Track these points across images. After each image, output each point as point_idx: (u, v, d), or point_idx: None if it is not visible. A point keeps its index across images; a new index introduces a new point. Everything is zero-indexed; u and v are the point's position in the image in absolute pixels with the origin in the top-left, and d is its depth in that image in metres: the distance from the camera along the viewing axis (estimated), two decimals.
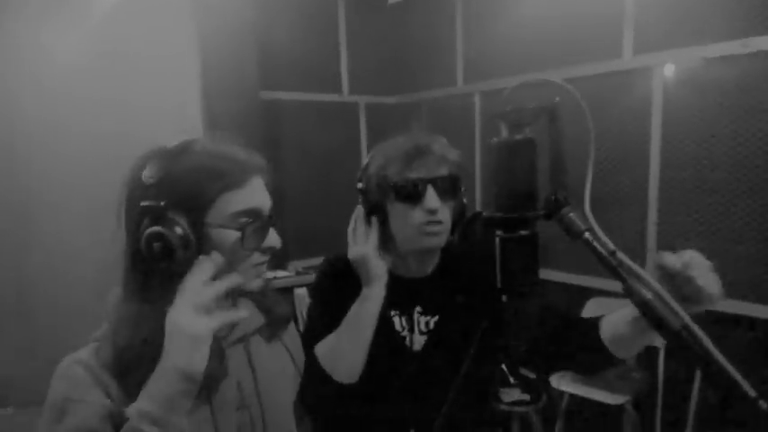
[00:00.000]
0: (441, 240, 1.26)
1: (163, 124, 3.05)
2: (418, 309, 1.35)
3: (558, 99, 0.87)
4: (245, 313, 0.91)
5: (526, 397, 2.88)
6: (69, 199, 2.83)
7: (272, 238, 0.94)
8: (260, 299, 1.05)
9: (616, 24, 2.85)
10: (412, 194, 1.23)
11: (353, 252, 1.24)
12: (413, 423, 1.29)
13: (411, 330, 1.34)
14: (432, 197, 1.22)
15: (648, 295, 0.73)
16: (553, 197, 0.86)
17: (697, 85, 2.59)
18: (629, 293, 0.75)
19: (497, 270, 0.90)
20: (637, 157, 2.84)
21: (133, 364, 0.84)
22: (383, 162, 1.26)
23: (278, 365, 1.09)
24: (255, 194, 0.93)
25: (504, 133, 0.90)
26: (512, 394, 2.87)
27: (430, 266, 1.37)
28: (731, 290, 2.48)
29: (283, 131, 3.70)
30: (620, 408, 2.65)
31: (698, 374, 2.58)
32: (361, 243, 1.24)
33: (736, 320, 2.50)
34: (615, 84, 2.89)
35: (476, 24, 3.63)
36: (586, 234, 0.80)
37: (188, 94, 3.20)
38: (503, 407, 2.86)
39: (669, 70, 2.69)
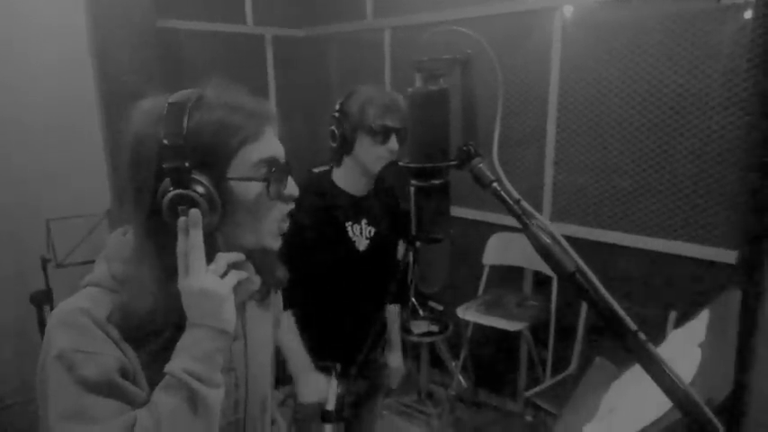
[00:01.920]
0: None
1: (44, 49, 2.82)
2: (364, 220, 1.82)
3: (470, 51, 0.89)
4: (246, 273, 0.91)
5: (434, 328, 3.06)
6: None
7: (292, 186, 0.93)
8: (260, 260, 1.01)
9: None
10: (383, 136, 1.68)
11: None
12: (358, 312, 1.80)
13: (360, 235, 1.80)
14: (394, 141, 1.69)
15: (547, 240, 0.80)
16: (465, 148, 0.89)
17: (593, 28, 2.72)
18: (530, 238, 0.81)
19: (412, 217, 0.94)
20: (537, 97, 2.96)
21: (156, 331, 0.84)
22: (363, 105, 1.67)
23: (265, 328, 1.11)
24: (272, 143, 0.91)
25: (419, 83, 0.92)
26: (421, 326, 3.04)
27: (368, 188, 1.81)
28: (613, 221, 2.74)
29: (184, 63, 3.50)
30: (518, 333, 2.87)
31: (584, 305, 2.84)
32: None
33: (618, 249, 2.76)
34: (519, 24, 2.96)
35: None
36: (494, 184, 0.85)
37: (71, 17, 2.94)
38: (412, 338, 3.02)
39: (568, 12, 2.78)
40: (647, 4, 2.53)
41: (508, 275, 3.18)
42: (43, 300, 2.61)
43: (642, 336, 0.75)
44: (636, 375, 1.13)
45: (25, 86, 2.79)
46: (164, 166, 0.82)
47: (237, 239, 0.91)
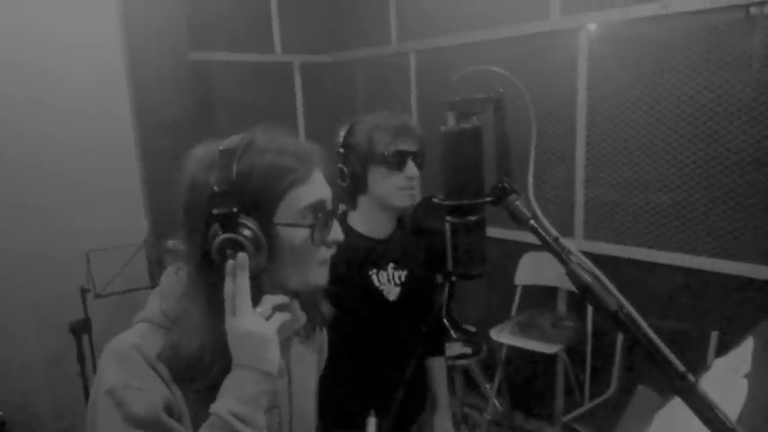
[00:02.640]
0: (414, 200, 1.54)
1: (83, 90, 2.93)
2: (392, 265, 1.61)
3: (502, 90, 0.90)
4: (290, 314, 0.93)
5: (468, 350, 3.02)
6: None
7: (336, 231, 0.95)
8: (305, 298, 1.03)
9: None
10: (397, 163, 1.49)
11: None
12: (390, 365, 1.60)
13: (388, 282, 1.60)
14: (412, 167, 1.50)
15: (589, 279, 0.79)
16: (500, 185, 0.90)
17: (619, 45, 2.70)
18: (570, 277, 0.81)
19: (448, 253, 0.94)
20: (564, 117, 2.94)
21: (203, 371, 0.86)
22: (370, 133, 1.49)
23: (309, 365, 1.13)
24: (319, 187, 0.93)
25: (452, 122, 0.93)
26: (454, 348, 3.00)
27: (391, 228, 1.61)
28: (646, 238, 2.69)
29: (216, 93, 3.58)
30: (554, 356, 2.83)
31: None
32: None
33: (651, 267, 2.71)
34: (543, 44, 2.96)
35: None
36: (531, 221, 0.85)
37: (109, 53, 3.04)
38: (446, 361, 2.99)
39: (594, 31, 2.77)
40: (673, 18, 2.50)
41: (541, 295, 3.14)
42: (82, 329, 2.66)
43: (691, 378, 0.74)
44: (679, 407, 1.10)
45: (64, 130, 2.87)
46: (213, 211, 0.85)
47: (284, 281, 0.93)
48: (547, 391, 3.17)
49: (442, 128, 0.93)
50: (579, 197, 2.94)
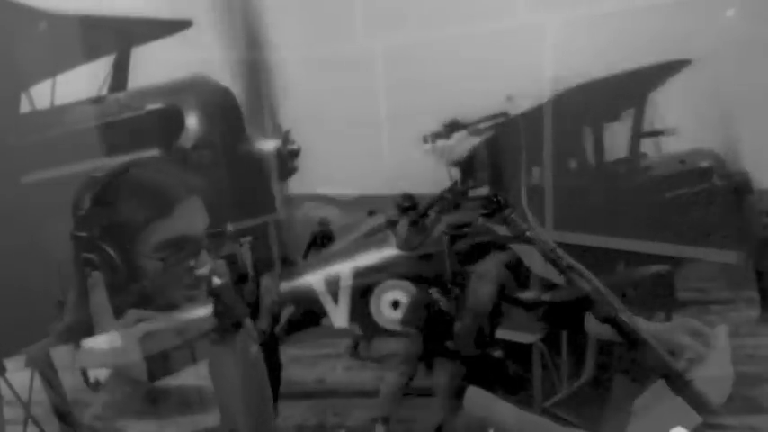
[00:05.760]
0: None
1: None
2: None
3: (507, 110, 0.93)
4: (156, 324, 0.96)
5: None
6: None
7: (201, 262, 0.96)
8: (216, 302, 1.08)
9: None
10: None
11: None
12: None
13: None
14: None
15: (588, 287, 0.83)
16: (495, 198, 0.93)
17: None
18: (569, 284, 0.85)
19: (446, 261, 0.98)
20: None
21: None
22: None
23: (227, 363, 1.14)
24: (183, 220, 0.93)
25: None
26: None
27: None
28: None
29: None
30: (531, 345, 2.91)
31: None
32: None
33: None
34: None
35: None
36: (528, 233, 0.89)
37: None
38: None
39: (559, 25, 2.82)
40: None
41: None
42: None
43: (687, 376, 0.78)
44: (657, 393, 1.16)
45: None
46: (74, 233, 0.88)
47: (152, 297, 0.96)
48: (525, 376, 3.25)
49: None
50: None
